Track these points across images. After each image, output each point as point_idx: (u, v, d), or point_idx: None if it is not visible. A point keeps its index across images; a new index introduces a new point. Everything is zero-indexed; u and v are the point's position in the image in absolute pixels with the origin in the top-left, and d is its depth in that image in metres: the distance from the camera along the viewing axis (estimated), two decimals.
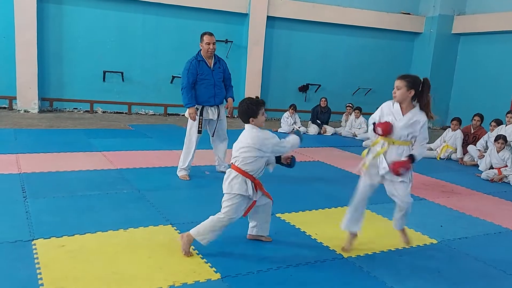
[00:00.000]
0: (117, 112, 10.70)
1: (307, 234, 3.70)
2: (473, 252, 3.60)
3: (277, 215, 4.11)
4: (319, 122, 10.10)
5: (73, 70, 10.20)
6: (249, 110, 3.17)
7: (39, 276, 2.65)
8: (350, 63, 12.64)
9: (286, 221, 3.97)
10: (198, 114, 5.05)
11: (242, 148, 3.18)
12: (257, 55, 11.32)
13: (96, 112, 10.56)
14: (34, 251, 2.98)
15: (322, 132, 9.97)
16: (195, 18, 10.77)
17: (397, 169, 3.20)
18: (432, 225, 4.16)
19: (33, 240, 3.14)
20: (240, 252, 3.28)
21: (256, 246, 3.40)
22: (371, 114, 12.06)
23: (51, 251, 3.01)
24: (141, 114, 10.89)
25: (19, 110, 9.66)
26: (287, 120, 9.88)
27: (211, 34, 5.02)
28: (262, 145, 3.18)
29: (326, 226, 3.94)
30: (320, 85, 12.33)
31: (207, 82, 5.02)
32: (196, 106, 5.03)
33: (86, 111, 10.53)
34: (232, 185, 3.18)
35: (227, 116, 5.46)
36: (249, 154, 3.16)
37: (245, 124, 3.23)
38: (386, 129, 3.21)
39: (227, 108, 5.28)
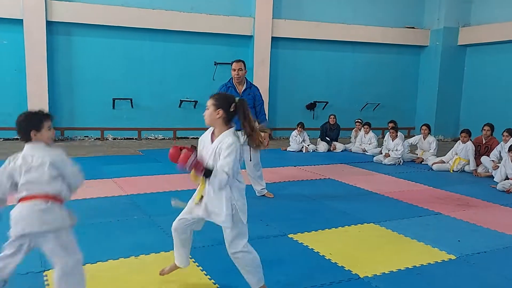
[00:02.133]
0: (127, 138, 10.78)
1: (320, 254, 3.63)
2: (494, 267, 3.49)
3: (289, 235, 4.05)
4: (328, 139, 10.06)
5: (83, 98, 10.35)
6: (31, 121, 2.51)
7: None
8: (356, 79, 12.65)
9: (299, 242, 3.91)
10: None
11: None
12: (263, 76, 11.39)
13: (106, 139, 10.65)
14: (46, 282, 2.96)
15: (331, 149, 9.92)
16: (200, 43, 10.92)
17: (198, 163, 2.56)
18: (449, 240, 4.06)
19: (44, 271, 3.12)
20: None
21: (267, 269, 3.32)
22: (380, 129, 12.08)
23: None
24: (150, 139, 10.97)
25: None
26: (295, 139, 9.85)
27: (238, 61, 5.14)
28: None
29: (340, 245, 3.87)
30: (327, 102, 12.33)
31: None
32: None
33: (97, 138, 10.63)
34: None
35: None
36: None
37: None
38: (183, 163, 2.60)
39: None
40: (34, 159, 2.49)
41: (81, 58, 10.20)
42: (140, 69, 10.62)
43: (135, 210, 4.75)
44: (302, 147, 9.75)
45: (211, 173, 2.57)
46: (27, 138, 2.52)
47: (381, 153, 8.77)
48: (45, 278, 3.03)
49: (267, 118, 5.37)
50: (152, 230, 4.15)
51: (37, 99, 9.64)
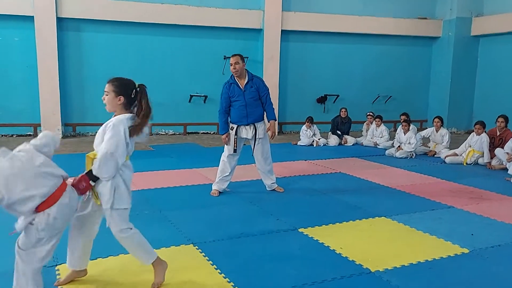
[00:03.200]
0: None
1: (331, 248, 3.61)
2: (507, 261, 3.43)
3: (300, 230, 4.03)
4: (339, 133, 9.99)
5: (94, 94, 10.39)
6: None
7: None
8: (368, 71, 12.52)
9: (309, 236, 3.89)
10: (234, 134, 5.14)
11: None
12: (273, 69, 11.34)
13: None
14: (58, 277, 2.99)
15: (343, 142, 9.84)
16: (210, 37, 10.90)
17: (76, 184, 2.64)
18: (463, 234, 4.01)
19: (56, 265, 3.15)
20: (263, 269, 3.21)
21: (279, 262, 3.33)
22: (392, 122, 11.95)
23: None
24: (161, 134, 11.01)
25: None
26: (306, 133, 9.80)
27: (234, 55, 5.08)
28: None
29: (351, 240, 3.84)
30: (338, 96, 12.24)
31: (239, 103, 5.08)
32: (231, 126, 5.18)
33: None
34: None
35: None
36: None
37: None
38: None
39: (268, 130, 5.22)
40: None
41: (91, 54, 10.26)
42: (150, 64, 10.63)
43: (146, 205, 4.77)
44: (313, 141, 9.69)
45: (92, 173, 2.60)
46: None
47: (393, 146, 8.69)
48: (57, 272, 3.06)
49: (274, 108, 5.31)
50: (162, 224, 4.17)
51: (49, 95, 9.74)
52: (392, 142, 9.05)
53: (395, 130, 9.41)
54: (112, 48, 10.35)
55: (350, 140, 9.91)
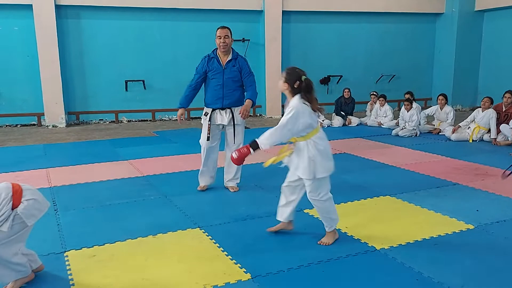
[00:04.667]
0: (141, 120, 10.84)
1: (337, 228, 3.62)
2: None
3: (305, 210, 4.05)
4: (343, 113, 9.94)
5: (96, 82, 10.40)
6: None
7: (71, 285, 2.69)
8: (371, 50, 12.39)
9: (315, 216, 3.90)
10: (207, 119, 4.53)
11: None
12: (275, 51, 11.24)
13: (121, 121, 10.73)
14: (67, 263, 3.02)
15: (347, 123, 9.81)
16: (210, 20, 10.79)
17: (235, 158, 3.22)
18: (468, 210, 4.01)
19: (65, 251, 3.19)
20: (269, 250, 3.24)
21: (285, 243, 3.35)
22: (396, 101, 11.86)
23: (82, 261, 3.05)
24: (164, 120, 11.00)
25: (47, 126, 9.91)
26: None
27: (223, 28, 4.47)
28: None
29: (356, 219, 3.85)
30: (341, 76, 12.14)
31: (215, 81, 4.47)
32: (205, 111, 4.57)
33: (111, 121, 10.71)
34: None
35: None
36: None
37: None
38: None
39: (240, 112, 4.53)
40: None
41: (92, 41, 10.20)
42: (151, 50, 10.58)
43: (152, 191, 4.80)
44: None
45: (255, 143, 3.15)
46: None
47: (397, 126, 8.64)
48: (66, 258, 3.09)
49: (257, 94, 4.65)
50: (168, 209, 4.19)
51: (51, 84, 9.74)
52: (396, 121, 9.01)
53: (400, 109, 9.35)
54: (112, 35, 10.28)
55: (354, 120, 9.88)
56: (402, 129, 8.37)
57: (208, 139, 4.56)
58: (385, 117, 9.62)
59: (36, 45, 9.57)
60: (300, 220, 3.83)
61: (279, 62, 11.28)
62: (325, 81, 12.10)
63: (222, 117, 4.54)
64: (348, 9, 11.73)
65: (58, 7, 9.68)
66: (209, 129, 4.55)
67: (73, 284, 2.73)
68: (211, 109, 4.54)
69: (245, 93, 4.65)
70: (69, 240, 3.40)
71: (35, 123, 10.14)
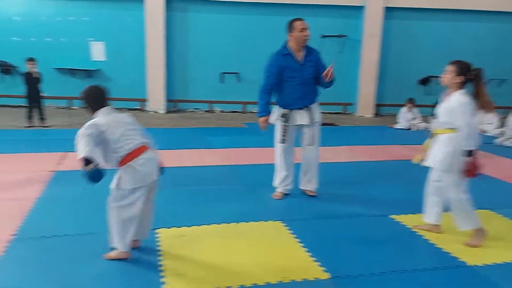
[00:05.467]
0: (233, 111, 11.20)
1: (425, 238, 3.44)
2: None
3: (391, 216, 3.89)
4: None
5: (195, 72, 10.95)
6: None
7: (160, 263, 2.89)
8: (478, 51, 11.35)
9: (402, 223, 3.74)
10: (284, 122, 4.17)
11: None
12: (372, 48, 10.88)
13: (214, 111, 11.19)
14: (157, 239, 3.25)
15: None
16: (307, 15, 10.60)
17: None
18: None
19: (157, 228, 3.43)
20: (351, 252, 3.17)
21: (369, 247, 3.26)
22: (503, 107, 10.79)
23: (171, 240, 3.26)
24: (255, 112, 11.22)
25: (149, 111, 10.68)
26: (405, 115, 9.31)
27: (302, 19, 4.11)
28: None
29: (448, 231, 3.60)
30: None
31: (295, 80, 4.06)
32: (282, 112, 4.19)
33: (206, 111, 11.22)
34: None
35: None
36: None
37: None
38: None
39: (325, 75, 3.97)
40: None
41: (195, 34, 10.76)
42: (248, 43, 10.84)
43: (238, 180, 4.95)
44: (412, 124, 9.19)
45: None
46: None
47: (503, 134, 7.89)
48: (156, 235, 3.33)
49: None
50: (252, 199, 4.29)
51: (155, 73, 10.47)
52: (502, 129, 8.22)
53: (505, 117, 8.52)
54: (213, 28, 10.74)
55: None
56: (509, 139, 7.62)
57: (283, 141, 4.21)
58: (490, 124, 8.82)
59: (144, 35, 10.32)
60: (386, 226, 3.70)
61: (376, 60, 10.90)
62: (425, 81, 11.44)
63: (302, 117, 4.16)
64: (455, 6, 10.92)
65: (169, 1, 10.33)
66: (285, 131, 4.18)
67: (161, 260, 2.93)
68: (288, 110, 4.18)
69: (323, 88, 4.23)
70: (161, 218, 3.63)
71: (139, 108, 10.98)
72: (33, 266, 2.83)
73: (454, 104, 3.16)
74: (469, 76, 3.20)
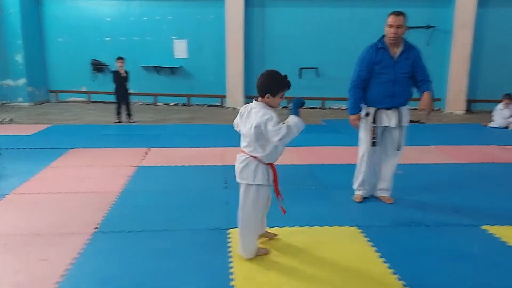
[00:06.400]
0: (311, 108, 11.00)
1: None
2: None
3: (484, 227, 3.51)
4: None
5: (273, 67, 10.86)
6: (271, 84, 2.77)
7: (230, 265, 2.86)
8: None
9: (495, 236, 3.35)
10: (371, 120, 3.94)
11: (250, 129, 2.77)
12: (465, 40, 10.01)
13: None
14: (228, 240, 3.23)
15: None
16: (392, 6, 10.06)
17: None
18: None
19: (229, 229, 3.41)
20: (433, 264, 2.90)
21: (453, 260, 2.96)
22: None
23: None
24: (333, 109, 10.94)
25: (228, 108, 10.86)
26: (501, 112, 8.45)
27: (398, 14, 3.76)
28: (264, 127, 2.72)
29: None
30: None
31: (385, 77, 3.81)
32: (367, 110, 3.95)
33: (283, 107, 11.10)
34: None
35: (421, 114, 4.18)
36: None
37: (254, 101, 2.83)
38: None
39: (421, 108, 3.84)
40: (245, 114, 2.84)
41: (273, 29, 10.72)
42: (327, 37, 10.57)
43: (313, 180, 4.80)
44: (510, 123, 8.31)
45: None
46: (260, 96, 2.81)
47: None
48: (228, 235, 3.31)
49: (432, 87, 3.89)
50: (327, 202, 4.13)
51: (234, 69, 10.61)
52: None
53: None
54: (291, 23, 10.62)
55: None
56: None
57: (374, 144, 3.96)
58: None
59: (224, 31, 10.49)
60: (477, 238, 3.34)
61: (469, 52, 10.04)
62: None
63: (389, 118, 3.90)
64: None
65: None
66: (374, 132, 3.94)
67: (231, 262, 2.90)
68: (374, 109, 3.93)
69: (419, 87, 3.90)
70: (233, 218, 3.61)
71: (218, 104, 11.22)
72: (113, 259, 2.95)
73: None
74: None
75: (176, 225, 3.50)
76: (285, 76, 2.83)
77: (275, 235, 3.28)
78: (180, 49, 10.96)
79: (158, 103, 11.38)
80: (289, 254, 3.04)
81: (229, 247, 3.12)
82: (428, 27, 10.19)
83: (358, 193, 4.17)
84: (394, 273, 2.77)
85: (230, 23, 10.42)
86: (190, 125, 8.47)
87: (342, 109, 10.83)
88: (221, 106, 11.16)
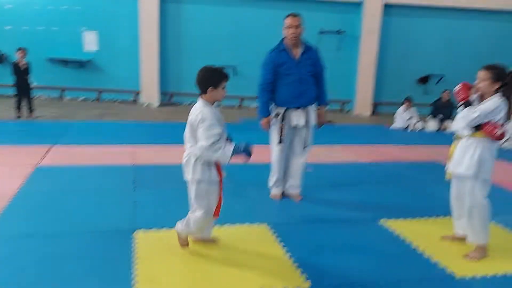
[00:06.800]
0: (228, 106, 11.03)
1: (413, 245, 3.31)
2: None
3: (381, 221, 3.76)
4: (442, 116, 9.18)
5: (190, 65, 10.70)
6: (211, 77, 2.77)
7: (134, 268, 2.75)
8: (479, 51, 11.25)
9: (391, 230, 3.60)
10: (280, 120, 4.02)
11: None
12: (371, 45, 10.71)
13: None
14: (134, 242, 3.11)
15: (442, 128, 9.05)
16: (305, 9, 10.47)
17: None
18: None
19: (134, 230, 3.28)
20: (335, 259, 3.04)
21: (354, 254, 3.13)
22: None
23: (149, 243, 3.11)
24: (251, 108, 11.08)
25: (142, 104, 10.52)
26: (402, 115, 9.17)
27: (295, 15, 3.94)
28: (196, 127, 2.72)
29: (438, 238, 3.47)
30: (442, 77, 11.23)
31: (291, 77, 3.93)
32: (277, 111, 4.04)
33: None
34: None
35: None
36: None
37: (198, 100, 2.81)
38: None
39: (319, 120, 4.14)
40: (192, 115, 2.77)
41: (190, 25, 10.59)
42: (245, 37, 10.68)
43: (228, 178, 4.77)
44: (409, 124, 9.05)
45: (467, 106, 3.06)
46: (203, 92, 2.78)
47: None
48: (134, 237, 3.18)
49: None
50: (241, 200, 4.11)
51: (149, 65, 10.30)
52: None
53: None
54: (208, 20, 10.57)
55: (451, 126, 9.08)
56: (507, 140, 7.48)
57: (281, 141, 4.07)
58: None
59: (138, 27, 10.14)
60: (375, 232, 3.57)
61: (375, 57, 10.75)
62: (424, 80, 11.31)
63: (298, 117, 4.01)
64: (457, 4, 10.75)
65: None
66: (282, 131, 4.04)
67: (135, 264, 2.79)
68: (284, 109, 4.02)
69: (319, 94, 4.13)
70: (141, 220, 3.51)
71: (132, 100, 10.81)
72: (3, 268, 2.69)
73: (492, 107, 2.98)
74: (506, 81, 3.00)
75: (77, 228, 3.30)
76: (223, 68, 2.86)
77: (214, 241, 3.20)
78: (90, 42, 10.38)
79: (65, 98, 10.68)
80: (195, 254, 3.00)
81: (134, 249, 3.00)
82: (338, 32, 10.73)
83: (275, 192, 4.27)
84: (298, 268, 2.86)
85: (145, 17, 10.10)
86: (99, 122, 8.05)
87: None
88: (135, 102, 10.78)
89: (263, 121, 4.08)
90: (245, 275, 2.76)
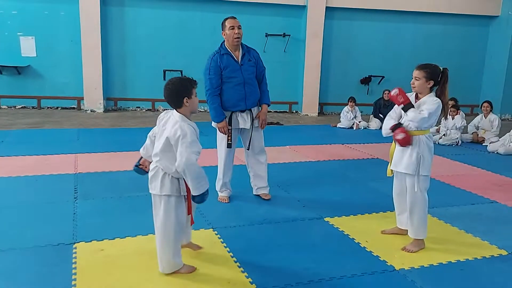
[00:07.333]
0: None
1: (356, 241, 3.43)
2: None
3: (326, 219, 3.87)
4: (381, 116, 9.56)
5: (135, 70, 10.54)
6: (182, 87, 2.63)
7: (73, 283, 2.65)
8: (417, 52, 11.81)
9: (334, 226, 3.71)
10: (226, 123, 4.06)
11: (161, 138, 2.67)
12: (315, 48, 10.97)
13: (157, 110, 10.83)
14: (74, 255, 3.00)
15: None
16: (251, 13, 10.64)
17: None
18: (503, 233, 3.69)
19: (74, 243, 3.17)
20: (280, 260, 3.08)
21: (299, 253, 3.19)
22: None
23: (89, 255, 3.01)
24: (200, 111, 11.01)
25: (86, 110, 10.16)
26: (347, 115, 9.46)
27: (234, 17, 4.05)
28: (174, 143, 2.58)
29: (378, 233, 3.62)
30: (383, 77, 11.70)
31: (235, 80, 3.97)
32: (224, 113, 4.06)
33: (148, 109, 10.84)
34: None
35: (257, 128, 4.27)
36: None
37: (174, 112, 2.67)
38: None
39: (258, 117, 4.17)
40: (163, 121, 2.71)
41: (134, 29, 10.34)
42: (191, 41, 10.58)
43: None
44: (353, 124, 9.36)
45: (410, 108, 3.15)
46: (178, 105, 2.65)
47: (438, 133, 8.21)
48: (74, 250, 3.07)
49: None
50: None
51: (92, 70, 9.95)
52: (437, 128, 8.55)
53: (443, 116, 8.88)
54: (153, 24, 10.38)
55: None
56: (442, 136, 7.93)
57: (229, 146, 4.12)
58: None
59: (80, 31, 9.78)
60: (320, 230, 3.66)
61: (319, 59, 11.01)
62: (366, 81, 11.71)
63: (244, 120, 4.08)
64: (394, 7, 11.25)
65: None
66: (230, 135, 4.08)
67: (75, 279, 2.69)
68: (230, 112, 4.08)
69: (261, 94, 4.20)
70: (81, 231, 3.39)
71: (75, 106, 10.42)
72: None
73: (435, 106, 3.11)
74: (439, 79, 3.15)
75: (10, 244, 3.12)
76: (185, 76, 2.76)
77: (200, 247, 3.13)
78: (28, 47, 9.88)
79: (2, 106, 10.11)
80: (140, 265, 2.93)
81: (74, 262, 2.89)
82: (284, 35, 10.90)
83: (222, 195, 4.29)
84: (244, 272, 2.87)
85: (85, 21, 9.76)
86: (39, 130, 7.68)
87: (208, 112, 10.97)
88: (78, 108, 10.39)
89: (220, 125, 4.06)
90: (190, 281, 2.73)
